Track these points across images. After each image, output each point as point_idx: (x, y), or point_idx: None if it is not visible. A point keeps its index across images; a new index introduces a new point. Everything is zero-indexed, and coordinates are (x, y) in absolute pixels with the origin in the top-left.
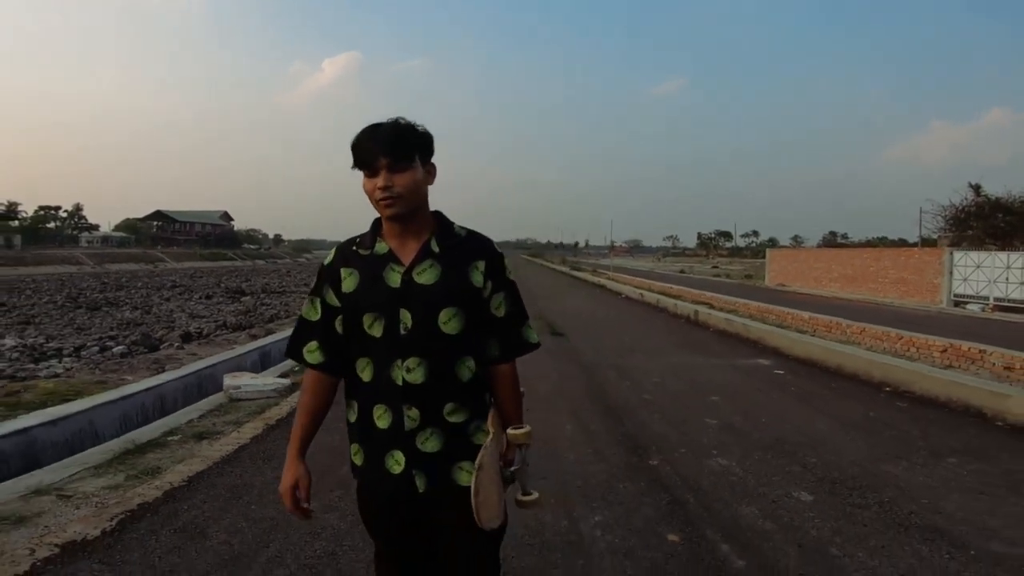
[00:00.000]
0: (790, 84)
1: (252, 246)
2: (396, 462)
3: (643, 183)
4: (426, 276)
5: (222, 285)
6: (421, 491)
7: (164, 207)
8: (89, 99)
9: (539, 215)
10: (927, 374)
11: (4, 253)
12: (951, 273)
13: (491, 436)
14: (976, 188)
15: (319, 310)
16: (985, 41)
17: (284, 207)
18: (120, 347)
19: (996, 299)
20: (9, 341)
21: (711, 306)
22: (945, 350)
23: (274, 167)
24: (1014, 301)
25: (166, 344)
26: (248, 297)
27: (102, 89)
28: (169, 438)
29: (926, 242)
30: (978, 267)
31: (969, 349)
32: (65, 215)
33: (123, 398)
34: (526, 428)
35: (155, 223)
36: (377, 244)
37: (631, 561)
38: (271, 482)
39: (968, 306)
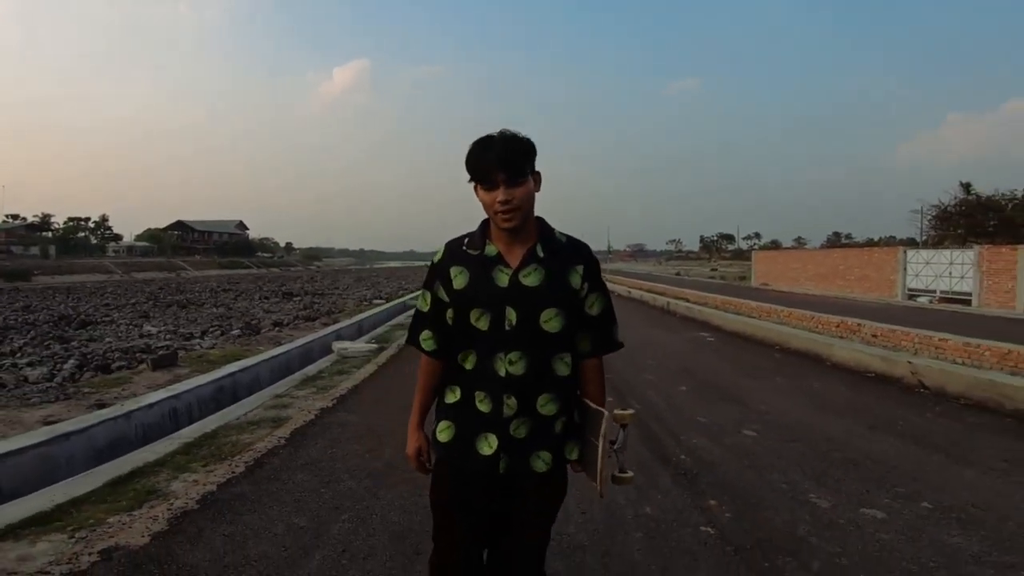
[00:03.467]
0: (794, 80)
1: (266, 254)
2: (488, 444)
3: (647, 189)
4: (531, 279)
5: (265, 289)
6: (501, 472)
7: (183, 217)
8: (111, 112)
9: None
10: (796, 335)
11: (42, 263)
12: (905, 270)
13: (605, 416)
14: (966, 187)
15: (429, 303)
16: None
17: (294, 215)
18: (235, 331)
19: (942, 292)
20: (151, 328)
21: (686, 300)
22: (838, 325)
23: (284, 176)
24: (956, 293)
25: (264, 329)
26: (298, 297)
27: (123, 102)
28: (321, 374)
29: (928, 242)
30: (927, 264)
31: (852, 323)
32: (92, 226)
33: (270, 358)
34: (631, 410)
35: (175, 232)
36: (486, 246)
37: None
38: (396, 388)
39: (919, 299)
